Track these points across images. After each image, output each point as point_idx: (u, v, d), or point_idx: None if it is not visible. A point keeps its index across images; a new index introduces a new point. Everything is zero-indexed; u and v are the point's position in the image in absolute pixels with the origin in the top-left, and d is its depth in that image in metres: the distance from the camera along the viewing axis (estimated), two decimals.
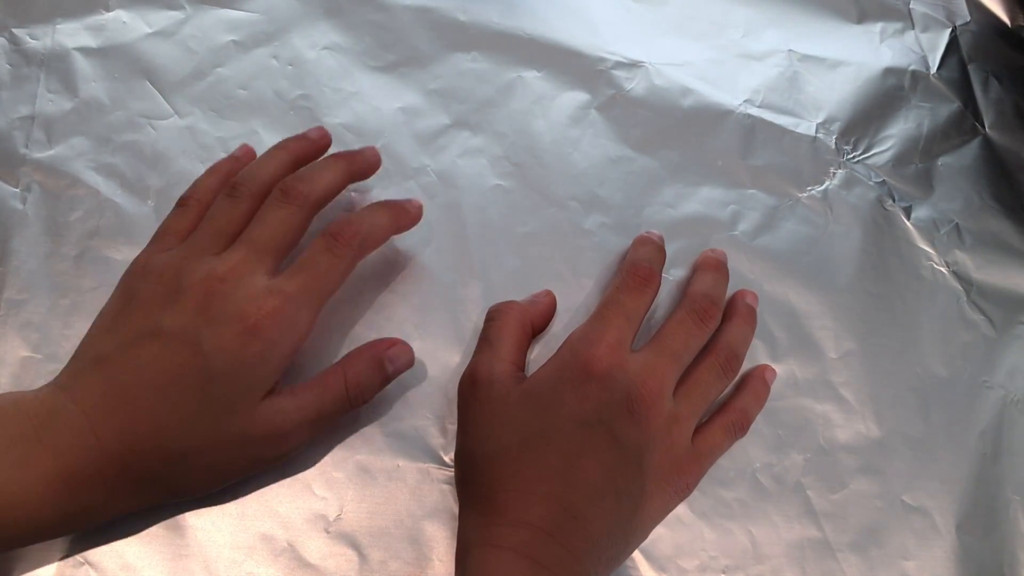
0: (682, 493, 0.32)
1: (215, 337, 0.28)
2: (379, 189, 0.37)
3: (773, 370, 0.36)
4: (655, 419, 0.30)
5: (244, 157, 0.36)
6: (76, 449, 0.27)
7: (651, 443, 0.30)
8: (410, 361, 0.33)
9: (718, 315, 0.34)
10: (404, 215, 0.34)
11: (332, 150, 0.35)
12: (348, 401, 0.31)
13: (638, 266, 0.34)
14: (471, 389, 0.32)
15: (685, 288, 0.36)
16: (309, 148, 0.35)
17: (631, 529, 0.30)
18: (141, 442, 0.27)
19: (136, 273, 0.31)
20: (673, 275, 0.37)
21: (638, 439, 0.30)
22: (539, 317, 0.35)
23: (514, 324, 0.33)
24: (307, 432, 0.30)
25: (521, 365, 0.33)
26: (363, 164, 0.35)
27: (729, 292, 0.36)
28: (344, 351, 0.34)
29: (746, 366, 0.36)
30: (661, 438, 0.30)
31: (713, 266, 0.36)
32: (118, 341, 0.29)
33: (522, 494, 0.28)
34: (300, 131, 0.35)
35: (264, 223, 0.31)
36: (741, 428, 0.34)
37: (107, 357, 0.28)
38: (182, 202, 0.33)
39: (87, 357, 0.29)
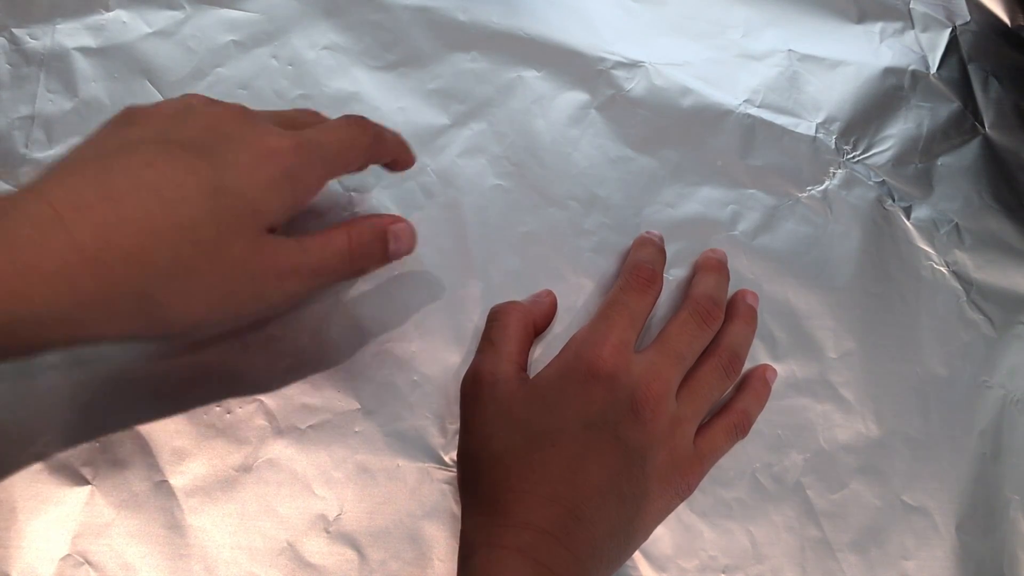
0: (683, 494, 0.32)
1: (229, 152, 0.26)
2: (379, 189, 0.37)
3: (774, 370, 0.36)
4: (659, 421, 0.30)
5: None
6: (36, 240, 0.22)
7: (654, 445, 0.30)
8: (411, 245, 0.32)
9: (720, 316, 0.34)
10: (405, 154, 0.34)
11: None
12: (351, 261, 0.30)
13: (641, 267, 0.34)
14: (474, 389, 0.32)
15: (687, 290, 0.36)
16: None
17: (632, 530, 0.30)
18: (124, 243, 0.23)
19: (130, 106, 0.28)
20: (673, 275, 0.37)
21: (642, 441, 0.30)
22: (541, 317, 0.35)
23: (517, 324, 0.33)
24: (307, 280, 0.29)
25: (524, 365, 0.33)
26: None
27: (729, 292, 0.36)
28: (343, 351, 0.34)
29: (747, 366, 0.36)
30: (664, 440, 0.30)
31: (714, 267, 0.36)
32: (112, 145, 0.26)
33: (527, 496, 0.28)
34: None
35: (323, 128, 0.30)
36: (742, 429, 0.34)
37: (93, 158, 0.25)
38: None
39: (66, 161, 0.25)
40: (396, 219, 0.31)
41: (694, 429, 0.32)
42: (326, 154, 0.29)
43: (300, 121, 0.31)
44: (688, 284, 0.36)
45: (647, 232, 0.37)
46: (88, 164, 0.25)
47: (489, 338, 0.33)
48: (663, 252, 0.36)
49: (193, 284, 0.25)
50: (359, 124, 0.31)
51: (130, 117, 0.27)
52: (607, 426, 0.29)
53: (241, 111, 0.28)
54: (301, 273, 0.28)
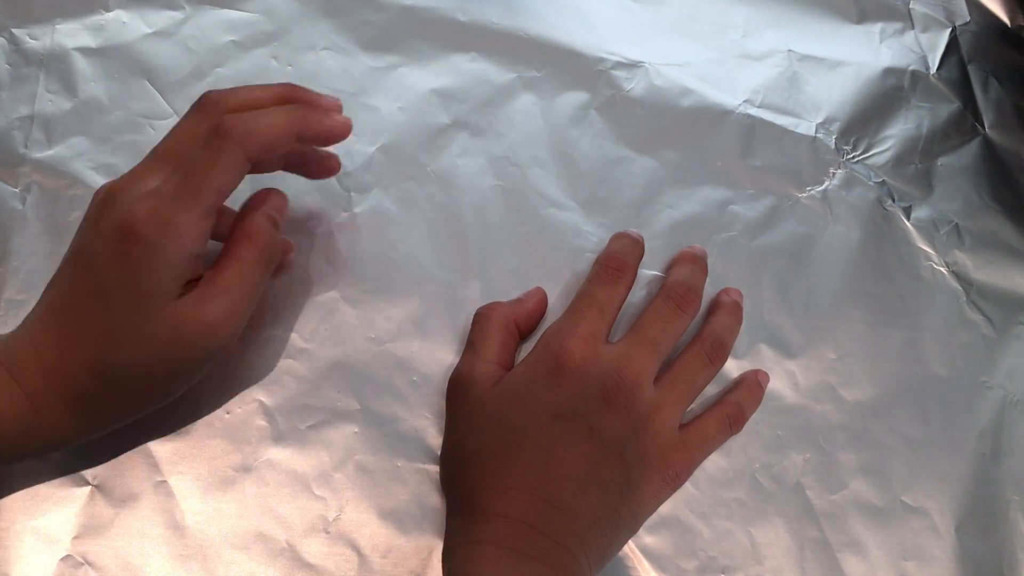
0: (672, 482, 0.31)
1: (102, 251, 0.27)
2: (379, 189, 0.37)
3: (765, 374, 0.36)
4: (634, 408, 0.30)
5: None
6: (24, 364, 0.27)
7: (632, 432, 0.30)
8: (283, 200, 0.31)
9: (696, 302, 0.34)
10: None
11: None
12: (268, 262, 0.30)
13: (610, 258, 0.34)
14: (453, 392, 0.32)
15: (662, 281, 0.36)
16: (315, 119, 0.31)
17: (620, 519, 0.30)
18: (76, 354, 0.27)
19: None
20: (667, 275, 0.37)
21: (617, 429, 0.30)
22: (526, 316, 0.35)
23: (497, 325, 0.33)
24: (242, 308, 0.29)
25: (507, 365, 0.33)
26: (321, 124, 0.30)
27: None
28: (343, 351, 0.34)
29: (747, 366, 0.36)
30: (643, 427, 0.30)
31: (689, 258, 0.36)
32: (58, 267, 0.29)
33: (501, 490, 0.29)
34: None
35: (187, 157, 0.29)
36: (736, 422, 0.34)
37: (49, 284, 0.29)
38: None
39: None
40: (264, 197, 0.31)
41: (677, 416, 0.32)
42: (191, 193, 0.27)
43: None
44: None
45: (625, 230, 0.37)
46: (46, 291, 0.29)
47: (470, 341, 0.34)
48: (639, 244, 0.36)
49: (135, 371, 0.28)
50: (218, 137, 0.28)
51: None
52: (578, 416, 0.29)
53: (119, 188, 0.28)
54: (235, 310, 0.29)
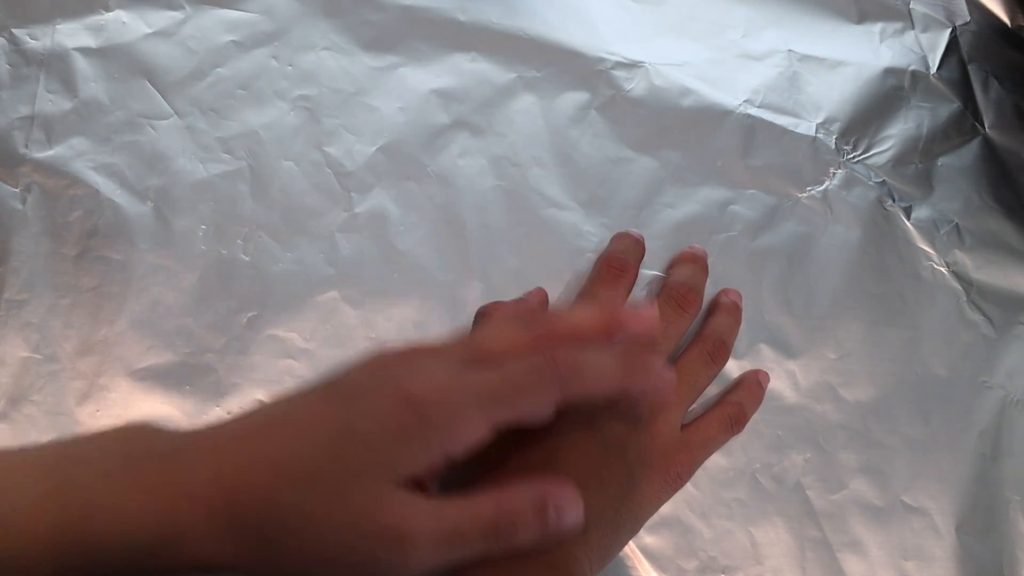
0: (673, 483, 0.31)
1: (371, 396, 0.24)
2: (379, 189, 0.37)
3: (766, 374, 0.36)
4: (635, 408, 0.30)
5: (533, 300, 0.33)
6: (195, 470, 0.23)
7: (633, 432, 0.30)
8: (578, 518, 0.26)
9: (697, 302, 0.34)
10: (639, 376, 0.27)
11: (314, 152, 0.35)
12: (496, 535, 0.25)
13: (611, 258, 0.34)
14: None
15: (663, 281, 0.36)
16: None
17: (621, 519, 0.30)
18: (256, 480, 0.23)
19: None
20: (668, 275, 0.37)
21: (619, 429, 0.30)
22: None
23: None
24: (438, 550, 0.24)
25: None
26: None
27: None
28: (343, 351, 0.34)
29: (747, 366, 0.36)
30: (644, 427, 0.30)
31: (690, 259, 0.36)
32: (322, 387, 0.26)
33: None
34: (300, 131, 0.35)
35: (510, 367, 0.25)
36: (737, 422, 0.34)
37: (279, 403, 0.26)
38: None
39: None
40: (560, 484, 0.26)
41: (679, 416, 0.32)
42: (487, 397, 0.25)
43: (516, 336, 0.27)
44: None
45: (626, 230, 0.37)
46: (256, 411, 0.26)
47: None
48: (640, 244, 0.36)
49: (308, 531, 0.23)
50: (547, 369, 0.25)
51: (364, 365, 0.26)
52: (580, 416, 0.29)
53: (416, 352, 0.26)
54: (429, 540, 0.23)
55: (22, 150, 0.36)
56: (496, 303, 0.34)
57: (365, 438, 0.24)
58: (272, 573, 0.24)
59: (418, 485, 0.24)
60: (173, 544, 0.23)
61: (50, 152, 0.36)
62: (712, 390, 0.35)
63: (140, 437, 0.24)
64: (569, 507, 0.26)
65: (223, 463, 0.23)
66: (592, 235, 0.38)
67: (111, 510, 0.22)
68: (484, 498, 0.25)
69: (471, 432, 0.24)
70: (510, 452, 0.29)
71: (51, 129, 0.37)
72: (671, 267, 0.37)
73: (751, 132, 0.41)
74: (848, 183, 0.41)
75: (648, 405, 0.29)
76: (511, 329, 0.27)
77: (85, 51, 0.38)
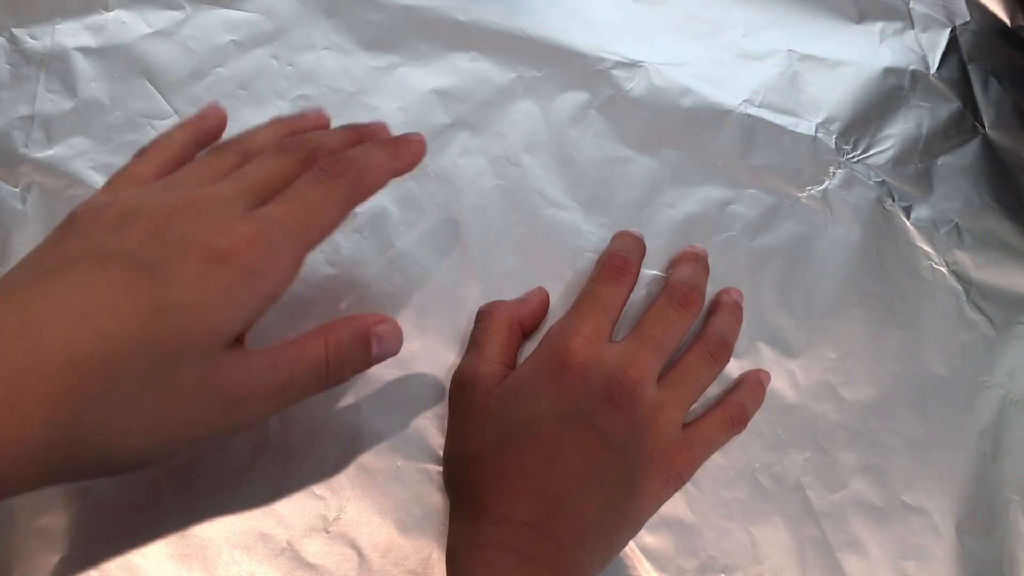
0: (674, 483, 0.31)
1: (172, 262, 0.22)
2: None
3: (767, 373, 0.36)
4: (637, 407, 0.30)
5: (214, 117, 0.31)
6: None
7: (635, 432, 0.30)
8: (397, 346, 0.28)
9: (699, 301, 0.34)
10: (404, 150, 0.29)
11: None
12: (327, 373, 0.26)
13: (613, 257, 0.34)
14: (456, 391, 0.32)
15: (665, 280, 0.36)
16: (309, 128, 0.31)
17: (622, 521, 0.30)
18: (43, 385, 0.20)
19: (79, 208, 0.25)
20: (668, 274, 0.37)
21: (621, 428, 0.30)
22: (529, 316, 0.35)
23: (500, 324, 0.33)
24: (273, 400, 0.25)
25: (510, 364, 0.33)
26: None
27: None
28: None
29: (747, 366, 0.36)
30: (646, 426, 0.30)
31: (691, 258, 0.36)
32: (45, 265, 0.22)
33: (505, 491, 0.28)
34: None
35: (294, 190, 0.26)
36: (739, 422, 0.34)
37: (22, 281, 0.22)
38: (141, 151, 0.28)
39: None
40: (380, 319, 0.28)
41: (680, 416, 0.32)
42: (294, 230, 0.25)
43: (297, 146, 0.28)
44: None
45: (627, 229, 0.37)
46: (13, 290, 0.22)
47: (473, 339, 0.34)
48: (640, 243, 0.36)
49: (133, 421, 0.21)
50: (331, 175, 0.26)
51: (71, 225, 0.24)
52: (583, 416, 0.29)
53: (192, 202, 0.24)
54: (268, 394, 0.24)
55: (22, 150, 0.36)
56: (496, 302, 0.34)
57: (184, 308, 0.22)
58: (94, 474, 0.23)
59: (238, 339, 0.24)
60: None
61: (50, 152, 0.36)
62: (713, 390, 0.35)
63: None
64: (389, 337, 0.27)
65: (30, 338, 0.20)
66: (592, 235, 0.38)
67: None
68: (312, 342, 0.26)
69: (290, 267, 0.25)
70: (511, 451, 0.29)
71: (51, 129, 0.37)
72: (672, 266, 0.37)
73: (751, 132, 0.41)
74: (848, 183, 0.41)
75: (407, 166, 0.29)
76: (275, 158, 0.27)
77: (85, 51, 0.38)
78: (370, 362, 0.27)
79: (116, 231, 0.23)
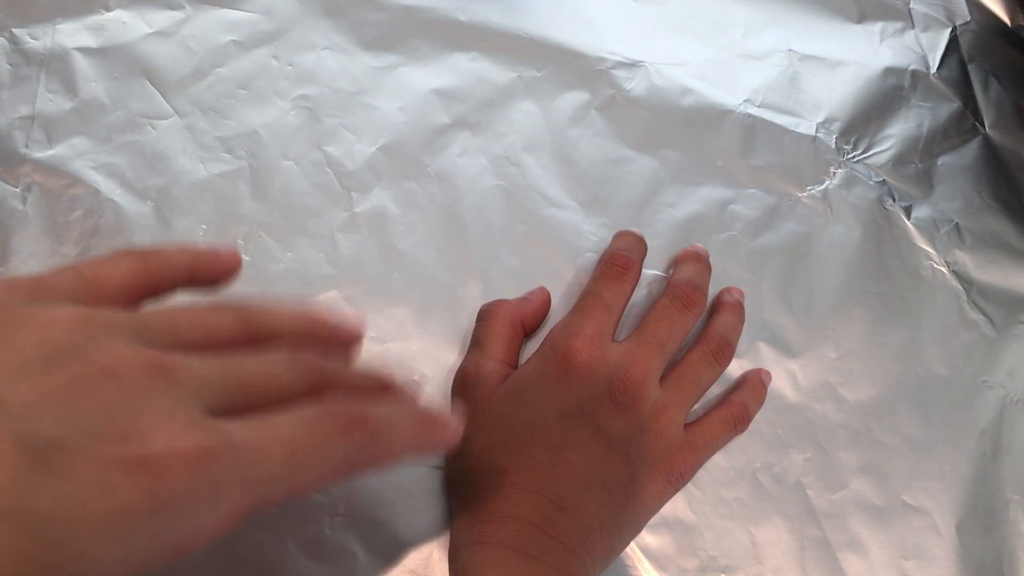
0: (676, 483, 0.31)
1: (71, 451, 0.16)
2: (379, 189, 0.37)
3: (768, 373, 0.36)
4: (640, 407, 0.30)
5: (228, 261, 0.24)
6: None
7: (637, 432, 0.30)
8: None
9: (702, 301, 0.34)
10: (438, 430, 0.24)
11: (314, 152, 0.35)
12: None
13: (615, 256, 0.34)
14: (459, 390, 0.32)
15: (667, 280, 0.36)
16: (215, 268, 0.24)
17: (624, 520, 0.30)
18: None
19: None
20: (670, 274, 0.37)
21: (623, 428, 0.30)
22: (531, 315, 0.35)
23: (503, 323, 0.33)
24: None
25: (513, 363, 0.33)
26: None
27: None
28: None
29: (747, 366, 0.36)
30: (648, 426, 0.30)
31: (693, 258, 0.36)
32: None
33: (508, 490, 0.28)
34: (300, 130, 0.35)
35: (282, 419, 0.20)
36: (741, 422, 0.34)
37: None
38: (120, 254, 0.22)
39: None
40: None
41: (682, 416, 0.32)
42: (255, 470, 0.18)
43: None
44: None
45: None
46: None
47: (475, 338, 0.34)
48: (642, 242, 0.36)
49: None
50: (348, 423, 0.20)
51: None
52: (586, 415, 0.29)
53: (150, 366, 0.18)
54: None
55: (22, 150, 0.36)
56: (498, 301, 0.34)
57: (53, 520, 0.15)
58: None
59: None
60: None
61: (50, 152, 0.36)
62: (714, 390, 0.35)
63: None
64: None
65: None
66: (592, 235, 0.38)
67: None
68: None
69: (225, 519, 0.18)
70: (513, 450, 0.29)
71: (51, 129, 0.37)
72: (674, 266, 0.37)
73: (751, 132, 0.41)
74: (848, 182, 0.41)
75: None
76: (281, 365, 0.21)
77: (85, 51, 0.38)
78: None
79: (23, 375, 0.16)
